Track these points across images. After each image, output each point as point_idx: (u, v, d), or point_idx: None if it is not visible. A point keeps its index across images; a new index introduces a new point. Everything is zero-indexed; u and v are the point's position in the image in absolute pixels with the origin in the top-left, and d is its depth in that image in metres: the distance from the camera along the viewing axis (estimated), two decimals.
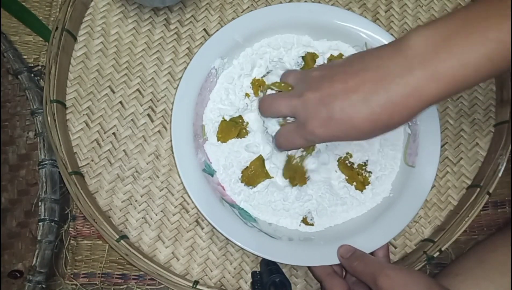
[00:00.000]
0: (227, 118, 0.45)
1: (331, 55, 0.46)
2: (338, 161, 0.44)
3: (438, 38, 0.29)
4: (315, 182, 0.43)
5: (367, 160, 0.44)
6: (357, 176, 0.44)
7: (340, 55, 0.47)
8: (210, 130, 0.45)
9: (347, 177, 0.44)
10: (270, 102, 0.38)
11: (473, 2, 0.35)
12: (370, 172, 0.44)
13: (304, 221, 0.43)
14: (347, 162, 0.44)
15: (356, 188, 0.44)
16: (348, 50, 0.47)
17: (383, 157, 0.44)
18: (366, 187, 0.44)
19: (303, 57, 0.46)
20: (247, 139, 0.44)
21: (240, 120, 0.45)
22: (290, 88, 0.38)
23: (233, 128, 0.44)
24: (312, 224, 0.43)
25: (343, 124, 0.32)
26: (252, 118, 0.44)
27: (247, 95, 0.45)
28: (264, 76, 0.46)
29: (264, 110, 0.39)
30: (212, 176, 0.44)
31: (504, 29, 0.27)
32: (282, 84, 0.39)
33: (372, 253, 0.41)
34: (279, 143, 0.39)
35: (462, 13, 0.30)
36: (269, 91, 0.41)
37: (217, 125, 0.45)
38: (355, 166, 0.44)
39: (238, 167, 0.44)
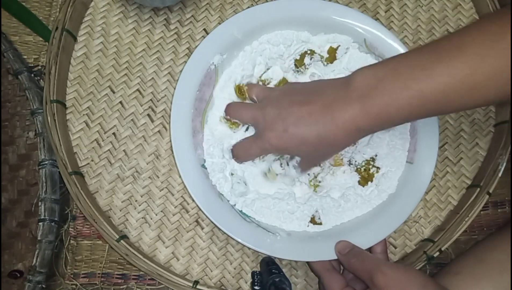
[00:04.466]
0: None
1: (330, 47, 0.47)
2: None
3: (374, 79, 0.34)
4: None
5: (376, 155, 0.44)
6: (360, 171, 0.44)
7: (338, 47, 0.47)
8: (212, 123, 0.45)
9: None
10: (237, 108, 0.43)
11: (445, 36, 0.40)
12: (378, 167, 0.44)
13: (312, 220, 0.43)
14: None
15: (359, 183, 0.44)
16: (345, 41, 0.47)
17: (391, 149, 0.44)
18: (369, 183, 0.44)
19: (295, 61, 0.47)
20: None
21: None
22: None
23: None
24: (320, 223, 0.43)
25: (295, 138, 0.37)
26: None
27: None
28: (264, 72, 0.46)
29: (230, 114, 0.44)
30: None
31: (423, 81, 0.32)
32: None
33: (370, 249, 0.41)
34: (236, 153, 0.43)
35: (396, 59, 0.35)
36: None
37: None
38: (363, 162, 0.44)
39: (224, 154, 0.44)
